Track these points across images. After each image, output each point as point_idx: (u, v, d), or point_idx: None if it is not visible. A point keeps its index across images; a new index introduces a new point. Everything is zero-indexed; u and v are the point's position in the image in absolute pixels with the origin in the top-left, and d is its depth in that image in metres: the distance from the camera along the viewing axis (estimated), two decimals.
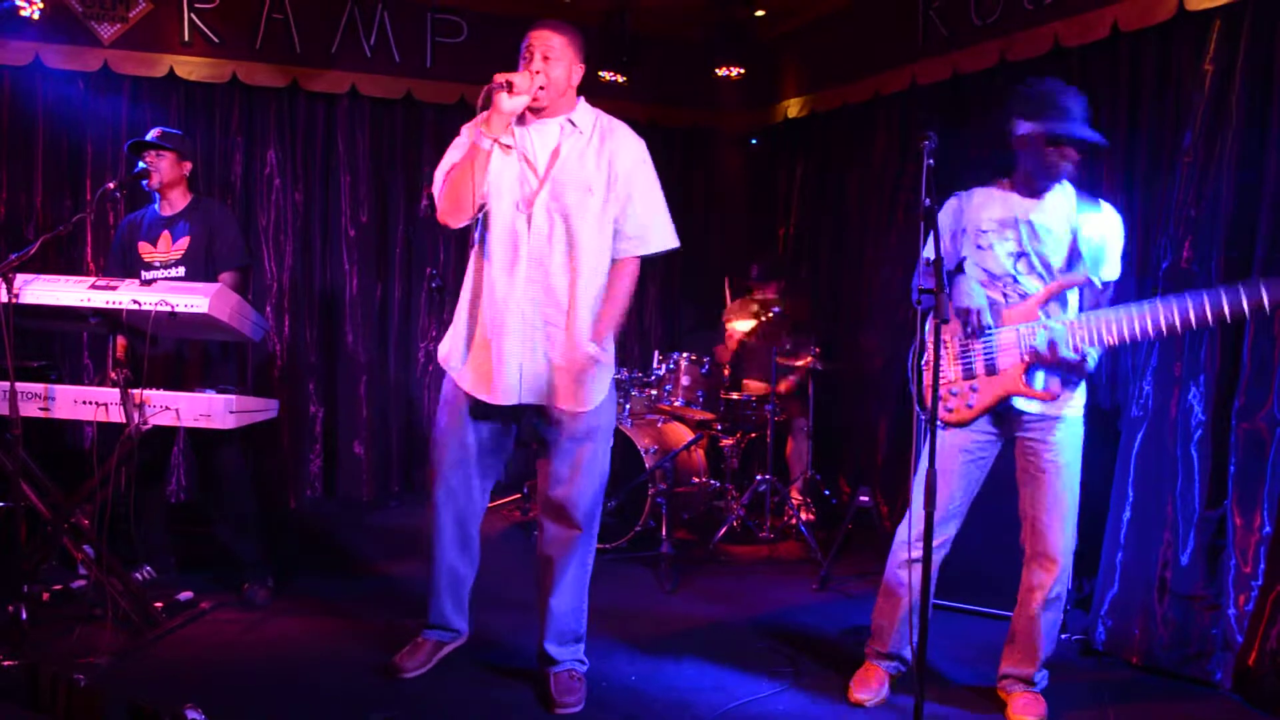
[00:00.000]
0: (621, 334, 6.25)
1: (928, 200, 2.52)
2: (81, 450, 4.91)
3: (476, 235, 2.97)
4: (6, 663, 2.97)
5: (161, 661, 3.23)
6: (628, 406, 4.97)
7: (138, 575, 3.88)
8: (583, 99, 2.97)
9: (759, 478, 4.97)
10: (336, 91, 5.50)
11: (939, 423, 2.88)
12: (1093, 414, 3.72)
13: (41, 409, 3.28)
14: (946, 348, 2.96)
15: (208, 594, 3.83)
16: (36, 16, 4.54)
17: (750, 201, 6.62)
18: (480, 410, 2.99)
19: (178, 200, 3.92)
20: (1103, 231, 2.87)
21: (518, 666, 3.22)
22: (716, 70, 5.97)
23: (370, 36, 5.51)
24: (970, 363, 2.91)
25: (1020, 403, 2.85)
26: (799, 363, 5.08)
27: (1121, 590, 3.44)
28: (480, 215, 2.92)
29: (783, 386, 5.22)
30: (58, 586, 3.78)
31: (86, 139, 5.12)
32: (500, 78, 2.72)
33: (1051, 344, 2.74)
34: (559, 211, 2.84)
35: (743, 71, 5.99)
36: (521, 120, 2.90)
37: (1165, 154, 3.68)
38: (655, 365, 5.21)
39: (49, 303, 3.19)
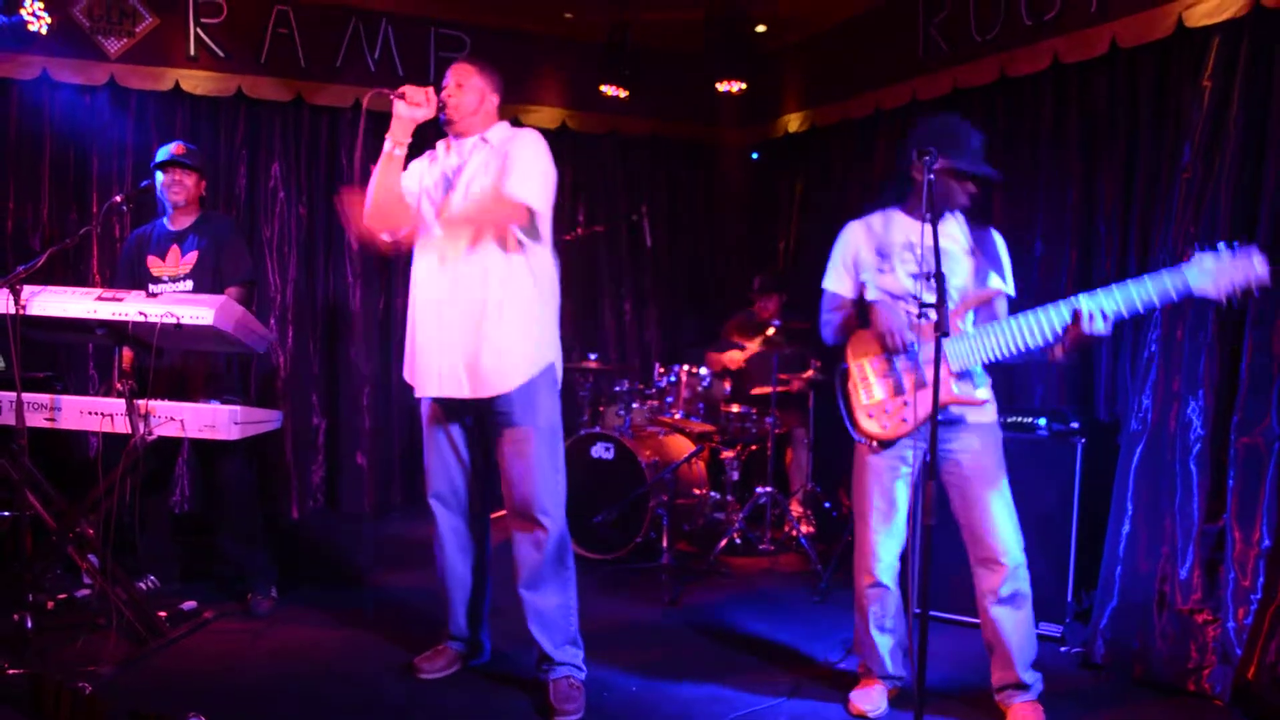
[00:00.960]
0: (621, 345, 6.36)
1: (928, 216, 2.57)
2: (87, 460, 4.93)
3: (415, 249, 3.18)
4: (11, 671, 2.99)
5: (165, 671, 3.25)
6: (629, 418, 4.99)
7: (142, 585, 3.89)
8: (505, 123, 3.17)
9: (759, 490, 4.98)
10: (341, 105, 5.54)
11: (872, 442, 2.97)
12: (1091, 427, 3.76)
13: (47, 419, 3.30)
14: (871, 368, 3.02)
15: (211, 604, 3.85)
16: (44, 31, 4.59)
17: (750, 215, 6.64)
18: (446, 417, 3.17)
19: (186, 215, 3.96)
20: (998, 253, 3.00)
21: (517, 675, 3.24)
22: (718, 85, 5.98)
23: (374, 51, 5.56)
24: (898, 379, 2.95)
25: (952, 410, 2.89)
26: (804, 375, 5.11)
27: (1120, 604, 3.44)
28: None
29: (795, 385, 5.23)
30: (62, 595, 3.80)
31: (93, 152, 5.15)
32: (402, 89, 3.03)
33: (1090, 316, 2.67)
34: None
35: (744, 86, 6.00)
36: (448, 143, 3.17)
37: (1164, 170, 3.71)
38: (656, 377, 5.23)
39: (56, 314, 3.21)
